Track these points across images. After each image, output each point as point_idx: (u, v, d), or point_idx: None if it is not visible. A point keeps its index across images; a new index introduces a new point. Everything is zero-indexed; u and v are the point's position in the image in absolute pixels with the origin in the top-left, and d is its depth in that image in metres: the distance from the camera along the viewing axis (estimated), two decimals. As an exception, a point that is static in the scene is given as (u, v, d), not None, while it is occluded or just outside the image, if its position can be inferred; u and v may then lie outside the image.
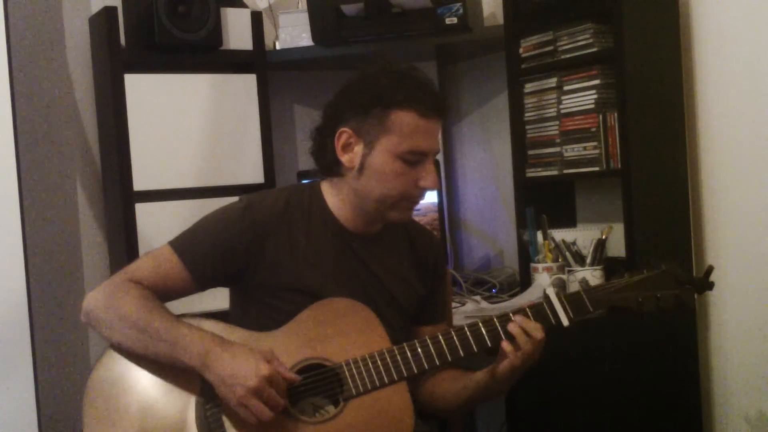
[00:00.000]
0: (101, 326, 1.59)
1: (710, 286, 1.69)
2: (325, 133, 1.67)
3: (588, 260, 2.26)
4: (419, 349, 1.58)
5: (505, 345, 1.56)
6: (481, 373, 1.64)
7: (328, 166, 1.68)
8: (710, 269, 1.69)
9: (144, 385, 1.55)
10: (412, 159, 1.61)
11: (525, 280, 2.46)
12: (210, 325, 1.59)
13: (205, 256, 1.63)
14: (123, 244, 2.52)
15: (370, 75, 1.65)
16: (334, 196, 1.70)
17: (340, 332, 1.59)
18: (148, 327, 1.54)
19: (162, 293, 1.62)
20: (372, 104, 1.60)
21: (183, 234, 1.67)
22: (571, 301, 1.60)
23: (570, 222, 2.57)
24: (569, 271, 2.27)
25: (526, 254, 2.41)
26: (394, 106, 1.59)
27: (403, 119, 1.59)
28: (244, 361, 1.48)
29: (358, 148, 1.62)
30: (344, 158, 1.64)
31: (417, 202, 1.69)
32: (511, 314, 1.59)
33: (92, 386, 1.56)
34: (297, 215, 1.68)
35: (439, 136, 1.69)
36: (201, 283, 1.65)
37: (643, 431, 2.19)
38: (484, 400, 1.69)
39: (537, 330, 1.56)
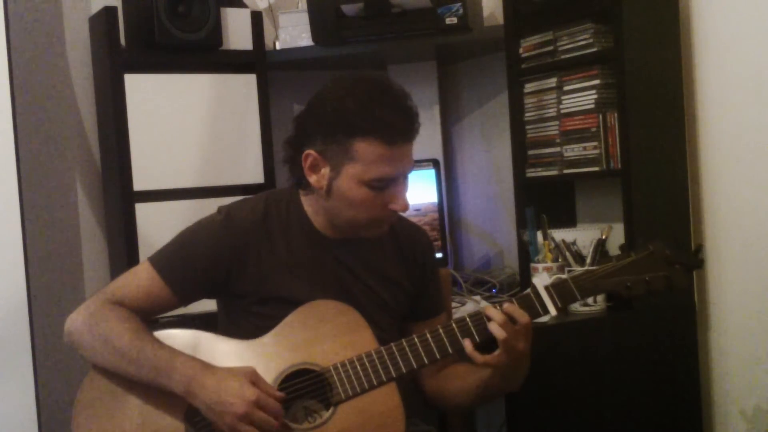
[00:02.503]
0: (83, 349, 1.59)
1: (700, 263, 1.66)
2: (293, 147, 1.64)
3: (588, 260, 2.26)
4: (407, 349, 1.57)
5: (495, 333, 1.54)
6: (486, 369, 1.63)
7: (299, 180, 1.66)
8: (699, 247, 1.67)
9: (132, 407, 1.55)
10: (380, 185, 1.56)
11: (525, 280, 2.46)
12: (199, 336, 1.59)
13: (185, 271, 1.62)
14: (123, 244, 2.52)
15: (337, 95, 1.57)
16: (310, 206, 1.68)
17: (326, 335, 1.58)
18: (130, 352, 1.53)
19: (145, 311, 1.62)
20: (336, 131, 1.55)
21: (162, 249, 1.66)
22: (559, 290, 1.58)
23: (570, 222, 2.57)
24: (569, 271, 2.27)
25: (526, 254, 2.41)
26: (358, 134, 1.53)
27: (367, 148, 1.53)
28: (228, 386, 1.47)
29: (325, 171, 1.59)
30: (312, 179, 1.61)
31: (391, 221, 1.66)
32: (497, 306, 1.57)
33: (81, 403, 1.56)
34: (276, 223, 1.66)
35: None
36: (183, 298, 1.64)
37: (643, 431, 2.19)
38: (496, 395, 1.68)
39: (522, 316, 1.53)
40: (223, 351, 1.58)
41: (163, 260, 1.63)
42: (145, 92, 2.55)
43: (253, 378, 1.49)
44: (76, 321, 1.60)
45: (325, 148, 1.57)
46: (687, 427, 2.29)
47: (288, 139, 1.67)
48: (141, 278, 1.62)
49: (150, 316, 1.63)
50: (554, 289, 1.58)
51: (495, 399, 1.83)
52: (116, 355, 1.54)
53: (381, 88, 1.58)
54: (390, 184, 1.57)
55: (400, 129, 1.55)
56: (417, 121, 1.59)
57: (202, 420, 1.52)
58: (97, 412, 1.55)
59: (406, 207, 1.60)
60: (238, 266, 1.63)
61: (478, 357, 1.53)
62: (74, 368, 2.67)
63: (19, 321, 2.31)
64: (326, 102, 1.58)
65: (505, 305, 1.56)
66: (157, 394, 1.54)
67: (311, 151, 1.59)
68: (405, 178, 1.61)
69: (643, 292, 1.59)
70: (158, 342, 1.55)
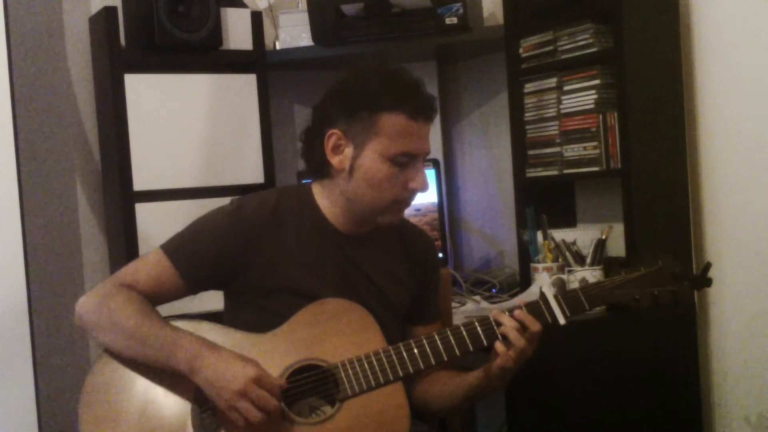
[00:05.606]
0: (93, 330, 1.60)
1: (708, 282, 1.68)
2: (314, 134, 1.66)
3: (588, 260, 2.26)
4: (415, 349, 1.57)
5: (499, 344, 1.55)
6: (475, 372, 1.64)
7: (318, 167, 1.67)
8: (708, 266, 1.68)
9: (140, 390, 1.55)
10: (402, 161, 1.59)
11: (525, 280, 2.46)
12: (206, 328, 1.59)
13: (196, 259, 1.63)
14: (123, 244, 2.52)
15: (357, 76, 1.64)
16: (324, 198, 1.69)
17: (335, 333, 1.59)
18: (138, 332, 1.54)
19: (154, 297, 1.62)
20: (360, 107, 1.59)
21: (174, 237, 1.67)
22: (568, 299, 1.60)
23: (570, 222, 2.57)
24: (569, 271, 2.27)
25: (526, 254, 2.41)
26: (383, 108, 1.57)
27: (392, 122, 1.58)
28: (231, 364, 1.48)
29: (348, 150, 1.61)
30: (334, 160, 1.62)
31: (408, 204, 1.68)
32: (507, 312, 1.58)
33: (88, 391, 1.56)
34: (287, 217, 1.67)
35: (430, 137, 1.66)
36: (193, 286, 1.65)
37: (643, 431, 2.19)
38: (480, 398, 1.69)
39: (533, 324, 1.55)
40: (229, 343, 1.57)
41: (173, 247, 1.64)
42: (145, 92, 2.55)
43: (256, 364, 1.50)
44: (86, 303, 1.60)
45: (349, 127, 1.60)
46: (687, 428, 2.29)
47: (306, 128, 1.69)
48: (151, 264, 1.63)
49: (159, 303, 1.64)
50: (563, 298, 1.60)
51: (473, 403, 1.84)
52: (124, 335, 1.55)
53: (398, 70, 1.64)
54: (411, 162, 1.61)
55: (422, 105, 1.60)
56: (435, 104, 1.64)
57: (207, 408, 1.52)
58: (105, 396, 1.55)
59: (426, 186, 1.63)
60: (248, 257, 1.63)
61: (502, 358, 1.55)
62: (74, 367, 2.68)
63: (19, 321, 2.31)
64: (348, 84, 1.64)
65: (516, 312, 1.57)
66: (166, 379, 1.54)
67: (335, 131, 1.61)
68: (424, 159, 1.64)
69: (651, 304, 1.61)
70: (166, 322, 1.56)
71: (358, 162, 1.60)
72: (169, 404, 1.54)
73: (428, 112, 1.62)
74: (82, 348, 2.71)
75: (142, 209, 2.53)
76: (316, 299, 1.62)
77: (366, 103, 1.59)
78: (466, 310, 2.44)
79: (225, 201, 1.74)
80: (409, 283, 1.76)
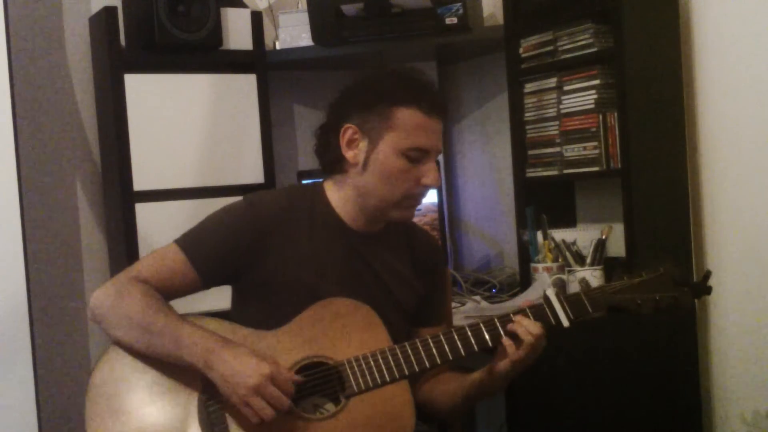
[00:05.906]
0: (107, 324, 1.60)
1: (708, 290, 1.70)
2: (329, 130, 1.69)
3: (588, 260, 2.26)
4: (421, 348, 1.59)
5: (506, 342, 1.56)
6: (478, 372, 1.65)
7: (332, 163, 1.69)
8: (708, 274, 1.70)
9: (146, 382, 1.56)
10: (415, 156, 1.62)
11: (525, 280, 2.46)
12: (213, 324, 1.60)
13: (210, 253, 1.64)
14: (123, 244, 2.52)
15: (373, 75, 1.69)
16: (336, 195, 1.71)
17: (341, 331, 1.60)
18: (152, 326, 1.54)
19: (168, 291, 1.63)
20: (377, 101, 1.63)
21: (188, 232, 1.68)
22: (571, 302, 1.62)
23: (570, 222, 2.57)
24: (569, 271, 2.27)
25: (526, 254, 2.41)
26: (398, 103, 1.62)
27: (407, 116, 1.62)
28: (246, 360, 1.49)
29: (363, 145, 1.64)
30: (348, 154, 1.65)
31: (419, 201, 1.70)
32: (511, 315, 1.60)
33: (95, 384, 1.56)
34: (299, 213, 1.69)
35: (441, 137, 1.69)
36: (206, 280, 1.66)
37: (643, 431, 2.19)
38: (481, 398, 1.70)
39: (536, 328, 1.56)
40: (235, 340, 1.58)
41: (188, 241, 1.66)
42: (145, 92, 2.55)
43: (271, 360, 1.51)
44: (100, 297, 1.61)
45: (364, 121, 1.64)
46: (687, 428, 2.29)
47: (321, 125, 1.73)
48: (166, 258, 1.65)
49: (172, 297, 1.65)
50: (567, 301, 1.62)
51: (474, 404, 1.84)
52: (139, 328, 1.55)
53: (412, 71, 1.71)
54: (424, 158, 1.64)
55: (436, 102, 1.65)
56: (446, 106, 1.69)
57: (215, 403, 1.53)
58: (110, 390, 1.55)
59: (437, 182, 1.66)
60: (259, 252, 1.65)
61: (507, 359, 1.56)
62: (74, 367, 2.68)
63: (19, 321, 2.31)
64: (364, 81, 1.69)
65: (518, 317, 1.59)
66: (173, 372, 1.55)
67: (350, 125, 1.64)
68: (436, 157, 1.67)
69: (652, 309, 1.64)
70: (181, 317, 1.57)
71: (372, 156, 1.63)
72: (175, 397, 1.54)
73: (441, 110, 1.66)
74: (82, 348, 2.71)
75: (142, 209, 2.53)
76: (324, 297, 1.63)
77: (382, 97, 1.63)
78: (466, 310, 2.44)
79: (225, 201, 1.75)
80: (416, 285, 1.77)
